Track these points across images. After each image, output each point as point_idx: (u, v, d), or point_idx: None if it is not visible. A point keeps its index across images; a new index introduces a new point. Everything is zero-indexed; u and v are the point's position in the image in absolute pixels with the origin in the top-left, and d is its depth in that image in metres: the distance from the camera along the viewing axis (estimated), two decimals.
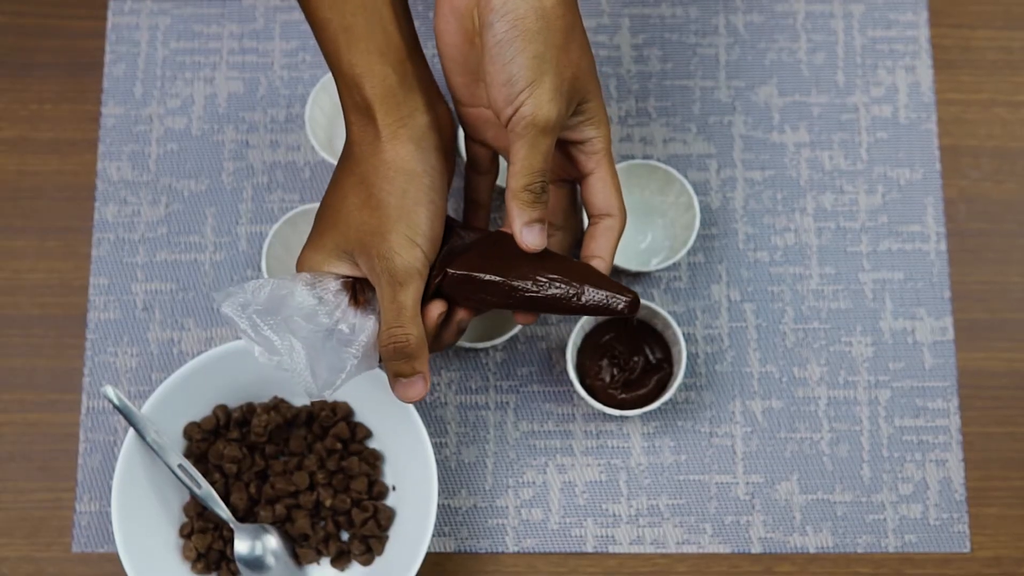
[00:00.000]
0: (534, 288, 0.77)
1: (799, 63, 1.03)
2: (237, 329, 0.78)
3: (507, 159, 0.81)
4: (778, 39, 1.03)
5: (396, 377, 0.79)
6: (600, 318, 0.94)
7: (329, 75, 0.96)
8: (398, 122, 0.76)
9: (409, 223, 0.76)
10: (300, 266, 0.80)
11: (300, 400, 0.95)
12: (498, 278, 0.78)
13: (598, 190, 0.80)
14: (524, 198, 0.76)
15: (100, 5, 1.03)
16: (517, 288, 0.78)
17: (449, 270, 0.78)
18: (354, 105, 0.77)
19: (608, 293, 0.78)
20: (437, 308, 0.79)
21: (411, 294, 0.77)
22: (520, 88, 0.74)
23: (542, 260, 0.79)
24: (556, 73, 0.74)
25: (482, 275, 0.78)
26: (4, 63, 1.02)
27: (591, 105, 0.79)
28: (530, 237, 0.77)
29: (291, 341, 0.77)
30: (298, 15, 1.03)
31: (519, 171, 0.76)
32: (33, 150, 1.01)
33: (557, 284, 0.78)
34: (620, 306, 0.77)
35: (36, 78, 1.02)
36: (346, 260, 0.78)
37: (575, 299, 0.77)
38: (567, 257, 0.80)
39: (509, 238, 0.80)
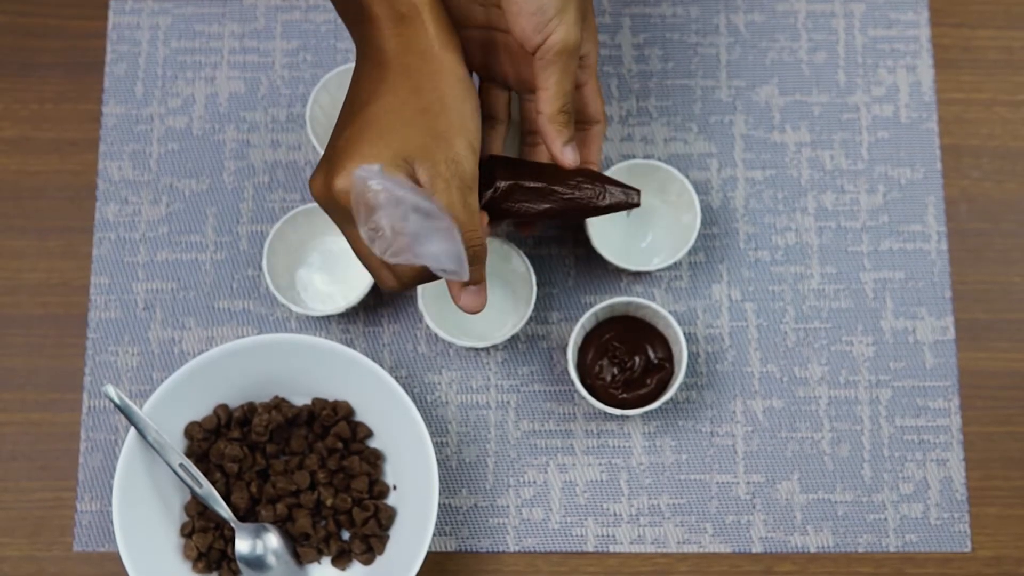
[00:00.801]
0: (569, 191, 0.84)
1: (800, 62, 1.03)
2: (386, 197, 0.72)
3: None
4: (779, 38, 1.03)
5: (468, 286, 0.80)
6: (600, 315, 0.94)
7: (330, 74, 0.96)
8: (447, 32, 0.77)
9: (470, 131, 0.77)
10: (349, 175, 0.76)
11: (301, 399, 0.95)
12: (541, 184, 0.83)
13: (591, 100, 0.87)
14: (560, 120, 0.81)
15: (101, 5, 1.03)
16: (556, 191, 0.83)
17: (499, 182, 0.82)
18: (394, 16, 0.76)
19: (622, 189, 0.85)
20: (486, 218, 0.81)
21: (475, 200, 0.77)
22: (551, 16, 0.77)
23: (558, 169, 0.84)
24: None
25: (528, 183, 0.83)
26: (5, 63, 1.02)
27: (588, 22, 0.83)
28: (570, 155, 0.83)
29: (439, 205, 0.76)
30: (299, 14, 1.03)
31: (553, 95, 0.80)
32: (34, 150, 1.01)
33: (585, 186, 0.84)
34: (635, 199, 0.85)
35: (37, 78, 1.02)
36: (402, 168, 0.76)
37: (600, 198, 0.84)
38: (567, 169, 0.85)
39: (514, 159, 0.85)
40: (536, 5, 0.77)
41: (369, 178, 0.73)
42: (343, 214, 0.76)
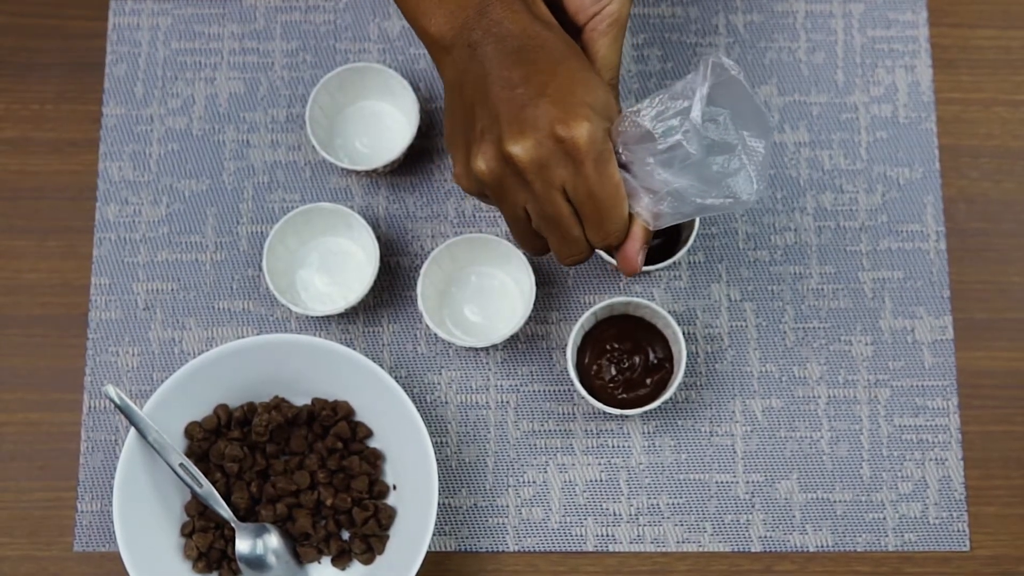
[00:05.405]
0: None
1: (799, 63, 1.03)
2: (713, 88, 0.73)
3: None
4: (778, 39, 1.03)
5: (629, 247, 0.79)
6: (599, 315, 0.94)
7: (330, 75, 0.96)
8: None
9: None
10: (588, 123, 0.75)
11: (301, 399, 0.95)
12: None
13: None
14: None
15: (101, 5, 1.03)
16: None
17: None
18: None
19: None
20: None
21: None
22: None
23: None
24: None
25: None
26: (5, 63, 1.02)
27: None
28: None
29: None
30: (299, 15, 1.03)
31: (602, 67, 0.79)
32: (34, 150, 1.01)
33: None
34: None
35: (37, 78, 1.02)
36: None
37: None
38: None
39: None
40: None
41: (723, 63, 0.72)
42: (545, 170, 0.74)
